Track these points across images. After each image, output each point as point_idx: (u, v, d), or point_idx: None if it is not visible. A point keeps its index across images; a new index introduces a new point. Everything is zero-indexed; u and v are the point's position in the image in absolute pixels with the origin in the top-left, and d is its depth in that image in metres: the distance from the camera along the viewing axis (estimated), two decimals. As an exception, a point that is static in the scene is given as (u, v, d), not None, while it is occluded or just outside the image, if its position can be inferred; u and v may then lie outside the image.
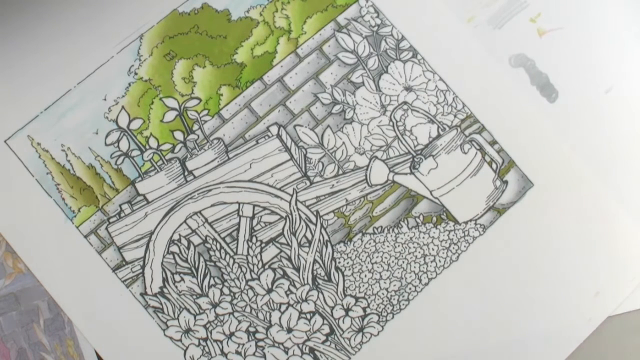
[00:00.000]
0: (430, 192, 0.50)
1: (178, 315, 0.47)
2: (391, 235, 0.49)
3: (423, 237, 0.49)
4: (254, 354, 0.47)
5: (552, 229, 0.49)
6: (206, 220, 0.48)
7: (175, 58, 0.50)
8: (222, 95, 0.50)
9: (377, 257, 0.49)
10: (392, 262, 0.49)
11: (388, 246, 0.49)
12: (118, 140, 0.48)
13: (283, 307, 0.48)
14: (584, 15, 0.53)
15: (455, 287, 0.49)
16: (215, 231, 0.48)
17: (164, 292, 0.47)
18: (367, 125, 0.50)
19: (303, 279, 0.48)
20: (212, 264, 0.48)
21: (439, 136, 0.50)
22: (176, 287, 0.47)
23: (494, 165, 0.50)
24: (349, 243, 0.49)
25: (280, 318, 0.48)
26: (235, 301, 0.48)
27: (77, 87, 0.49)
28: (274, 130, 0.50)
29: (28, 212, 0.48)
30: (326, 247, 0.48)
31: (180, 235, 0.48)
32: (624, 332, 0.49)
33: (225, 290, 0.48)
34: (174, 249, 0.48)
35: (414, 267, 0.49)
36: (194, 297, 0.47)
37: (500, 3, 0.52)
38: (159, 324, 0.47)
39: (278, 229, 0.49)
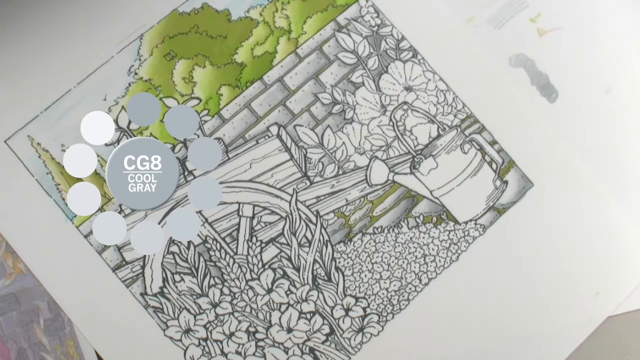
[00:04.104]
0: (430, 192, 0.50)
1: (178, 315, 0.47)
2: (391, 235, 0.49)
3: (423, 237, 0.49)
4: (254, 354, 0.47)
5: (552, 229, 0.49)
6: (206, 220, 0.48)
7: (175, 58, 0.50)
8: (222, 95, 0.50)
9: (377, 257, 0.49)
10: (392, 262, 0.49)
11: (388, 246, 0.49)
12: (118, 140, 0.48)
13: (283, 307, 0.48)
14: (584, 15, 0.53)
15: (455, 287, 0.49)
16: (215, 231, 0.48)
17: (164, 292, 0.47)
18: (367, 125, 0.50)
19: (303, 279, 0.48)
20: (212, 264, 0.48)
21: (439, 136, 0.50)
22: (176, 287, 0.47)
23: (494, 165, 0.50)
24: (349, 243, 0.49)
25: (280, 318, 0.48)
26: (235, 301, 0.48)
27: (77, 87, 0.49)
28: (274, 130, 0.50)
29: (28, 212, 0.48)
30: (326, 247, 0.48)
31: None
32: (624, 332, 0.49)
33: (225, 290, 0.48)
34: (174, 249, 0.48)
35: (414, 267, 0.49)
36: (194, 297, 0.47)
37: (500, 3, 0.52)
38: (159, 324, 0.47)
39: (278, 229, 0.49)
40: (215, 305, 0.47)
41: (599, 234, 0.50)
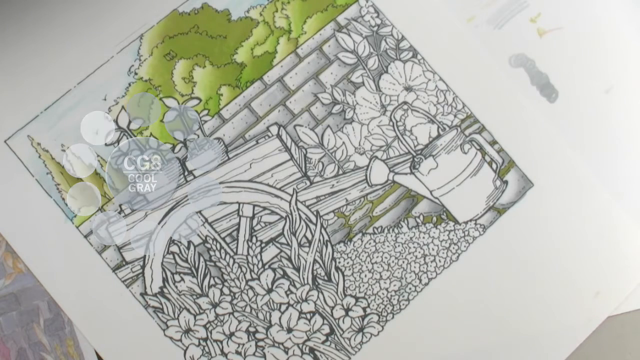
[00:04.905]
0: (430, 192, 0.50)
1: (178, 315, 0.47)
2: (391, 235, 0.49)
3: (423, 237, 0.49)
4: (254, 354, 0.47)
5: (552, 229, 0.49)
6: (206, 220, 0.48)
7: (175, 58, 0.50)
8: (222, 95, 0.50)
9: (377, 257, 0.49)
10: (392, 262, 0.49)
11: (388, 246, 0.49)
12: (118, 140, 0.48)
13: (283, 307, 0.48)
14: (584, 15, 0.53)
15: (455, 287, 0.49)
16: (215, 231, 0.48)
17: (164, 292, 0.47)
18: (367, 125, 0.50)
19: (303, 279, 0.48)
20: (212, 264, 0.48)
21: (439, 136, 0.50)
22: (176, 287, 0.47)
23: (494, 165, 0.50)
24: (349, 243, 0.49)
25: (280, 318, 0.48)
26: (235, 301, 0.48)
27: (77, 87, 0.49)
28: (274, 130, 0.50)
29: (28, 212, 0.48)
30: (326, 247, 0.48)
31: (180, 235, 0.48)
32: (624, 332, 0.49)
33: (225, 290, 0.48)
34: (174, 249, 0.48)
35: (414, 267, 0.49)
36: (194, 297, 0.47)
37: (500, 3, 0.52)
38: (159, 324, 0.47)
39: (278, 229, 0.49)
40: (215, 305, 0.47)
41: (599, 234, 0.50)
